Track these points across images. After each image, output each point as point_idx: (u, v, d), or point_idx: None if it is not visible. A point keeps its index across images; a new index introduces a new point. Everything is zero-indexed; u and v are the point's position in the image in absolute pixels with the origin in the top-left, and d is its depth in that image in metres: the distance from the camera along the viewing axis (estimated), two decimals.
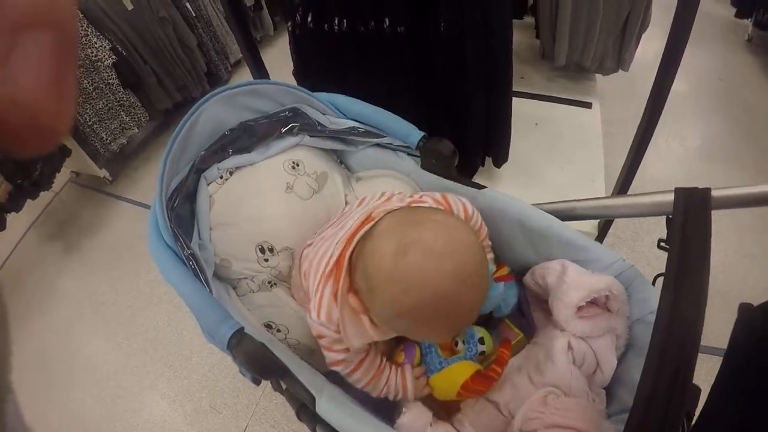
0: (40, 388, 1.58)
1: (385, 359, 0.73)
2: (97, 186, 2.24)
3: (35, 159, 1.76)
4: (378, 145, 0.92)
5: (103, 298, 1.79)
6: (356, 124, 0.90)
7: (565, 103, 1.75)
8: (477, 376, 0.68)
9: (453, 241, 0.55)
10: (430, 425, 0.69)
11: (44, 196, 1.97)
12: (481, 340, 0.76)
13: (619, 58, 1.66)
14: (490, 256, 0.84)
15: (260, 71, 1.28)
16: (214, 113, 0.84)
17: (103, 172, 2.14)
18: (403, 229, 0.57)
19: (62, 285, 1.87)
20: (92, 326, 1.72)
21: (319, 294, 0.64)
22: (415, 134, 0.85)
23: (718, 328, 1.31)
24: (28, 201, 1.84)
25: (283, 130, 0.87)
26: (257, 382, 0.76)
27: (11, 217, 1.80)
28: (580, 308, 0.73)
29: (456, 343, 0.76)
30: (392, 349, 0.77)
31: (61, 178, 2.13)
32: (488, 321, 0.82)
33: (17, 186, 1.74)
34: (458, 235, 0.56)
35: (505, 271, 0.79)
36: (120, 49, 2.00)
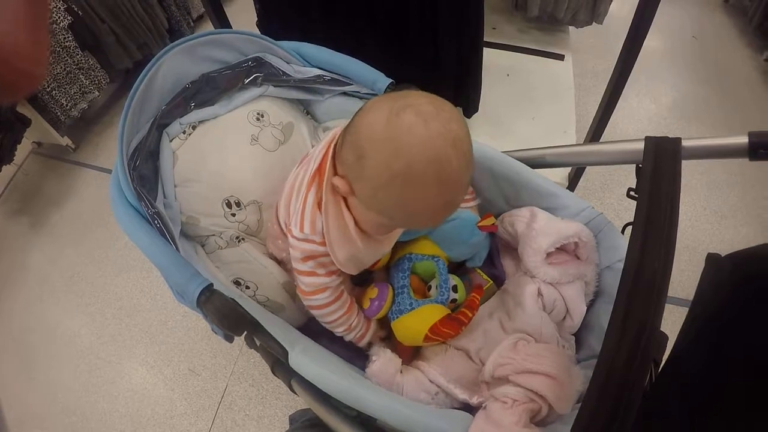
0: (15, 367, 1.54)
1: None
2: (60, 155, 2.14)
3: None
4: (345, 93, 0.90)
5: (73, 270, 1.74)
6: (322, 72, 0.88)
7: (538, 55, 1.73)
8: (446, 319, 0.69)
9: (443, 107, 0.54)
10: (400, 372, 0.69)
11: (7, 170, 1.88)
12: (455, 288, 0.76)
13: (593, 11, 1.64)
14: (476, 202, 0.84)
15: (223, 24, 1.22)
16: (175, 66, 0.81)
17: (65, 140, 2.04)
18: (393, 99, 0.56)
19: (31, 260, 1.81)
20: (65, 300, 1.68)
21: (302, 205, 0.64)
22: (382, 80, 0.83)
23: (686, 280, 1.37)
24: None
25: (246, 81, 0.84)
26: (230, 339, 0.76)
27: None
28: (549, 255, 0.74)
29: (429, 288, 0.76)
30: (363, 292, 0.77)
31: (23, 149, 2.03)
32: (458, 269, 0.82)
33: None
34: (445, 106, 0.55)
35: (491, 221, 0.79)
36: (75, 9, 1.88)
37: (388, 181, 0.53)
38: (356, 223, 0.63)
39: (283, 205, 0.72)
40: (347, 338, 0.75)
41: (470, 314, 0.69)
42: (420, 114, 0.52)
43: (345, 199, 0.62)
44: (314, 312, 0.72)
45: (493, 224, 0.79)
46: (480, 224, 0.78)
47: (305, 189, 0.63)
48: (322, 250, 0.64)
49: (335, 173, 0.60)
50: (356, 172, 0.56)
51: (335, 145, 0.61)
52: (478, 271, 0.81)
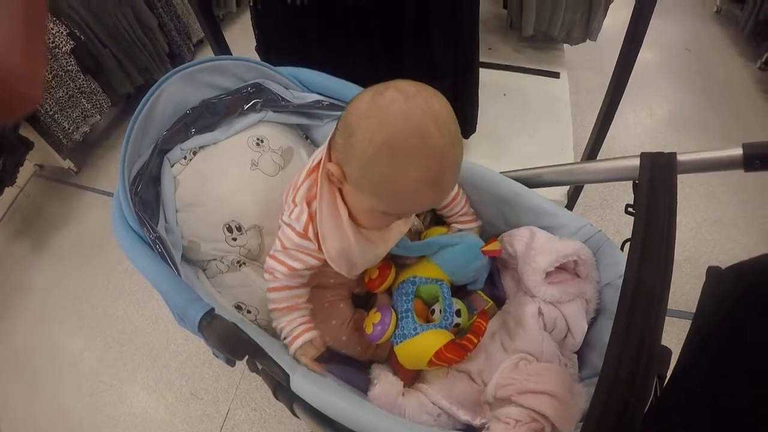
0: (17, 389, 1.54)
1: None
2: (62, 178, 2.16)
3: None
4: None
5: (75, 292, 1.74)
6: (320, 98, 0.89)
7: (533, 74, 1.76)
8: (451, 344, 0.68)
9: (425, 89, 0.57)
10: (402, 395, 0.69)
11: (9, 193, 1.90)
12: (458, 313, 0.76)
13: (587, 28, 1.66)
14: (478, 224, 0.85)
15: (222, 49, 1.24)
16: (175, 92, 0.82)
17: (67, 163, 2.07)
18: (379, 84, 0.59)
19: (33, 282, 1.81)
20: (67, 322, 1.68)
21: (294, 193, 0.67)
22: None
23: (687, 292, 1.36)
24: None
25: (246, 107, 0.85)
26: (232, 364, 0.75)
27: None
28: (548, 274, 0.74)
29: (432, 312, 0.76)
30: (366, 317, 0.77)
31: (25, 172, 2.05)
32: (459, 291, 0.82)
33: None
34: (428, 88, 0.57)
35: (495, 245, 0.79)
36: (78, 33, 1.92)
37: (373, 155, 0.55)
38: (350, 215, 0.65)
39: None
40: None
41: (476, 340, 0.68)
42: (401, 92, 0.55)
43: (340, 191, 0.64)
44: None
45: (498, 249, 0.79)
46: (484, 249, 0.78)
47: (301, 181, 0.66)
48: (297, 240, 0.66)
49: (329, 160, 0.63)
50: (345, 153, 0.59)
51: (330, 138, 0.64)
52: (479, 292, 0.81)
